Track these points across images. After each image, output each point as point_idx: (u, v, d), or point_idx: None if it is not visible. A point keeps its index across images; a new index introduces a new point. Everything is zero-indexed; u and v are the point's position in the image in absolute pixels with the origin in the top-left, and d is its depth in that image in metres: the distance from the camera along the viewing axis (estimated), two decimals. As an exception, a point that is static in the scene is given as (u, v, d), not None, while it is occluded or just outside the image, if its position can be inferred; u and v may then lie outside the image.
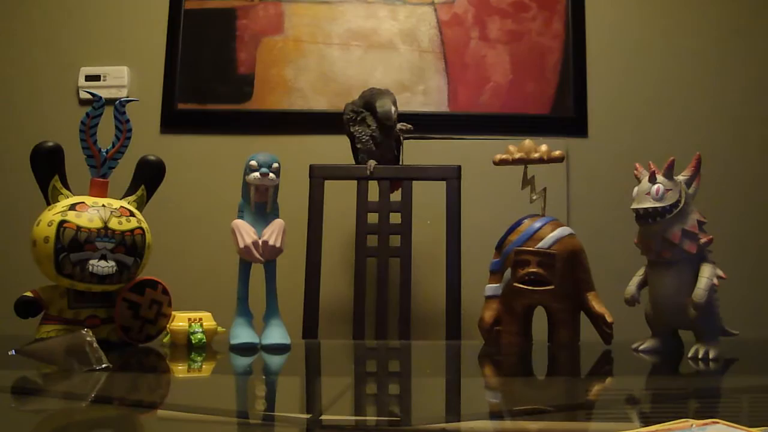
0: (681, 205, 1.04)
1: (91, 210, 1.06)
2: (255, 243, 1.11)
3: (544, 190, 1.26)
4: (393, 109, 1.71)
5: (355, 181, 1.77)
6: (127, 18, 2.14)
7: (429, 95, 2.08)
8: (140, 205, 1.15)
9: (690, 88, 2.07)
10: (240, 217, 1.13)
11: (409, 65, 2.09)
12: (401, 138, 1.79)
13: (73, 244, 1.03)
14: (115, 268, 1.05)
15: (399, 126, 1.74)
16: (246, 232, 1.11)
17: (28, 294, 1.06)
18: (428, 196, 1.82)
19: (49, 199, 1.08)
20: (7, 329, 1.13)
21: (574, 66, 2.06)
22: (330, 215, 1.77)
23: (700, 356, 1.02)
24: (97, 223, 1.05)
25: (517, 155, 1.26)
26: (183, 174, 2.01)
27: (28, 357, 0.89)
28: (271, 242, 1.11)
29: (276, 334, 1.11)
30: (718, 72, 2.07)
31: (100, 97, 1.11)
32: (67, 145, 1.10)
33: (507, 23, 2.09)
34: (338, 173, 1.79)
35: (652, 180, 1.05)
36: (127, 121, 1.15)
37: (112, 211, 1.07)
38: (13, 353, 0.89)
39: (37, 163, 1.07)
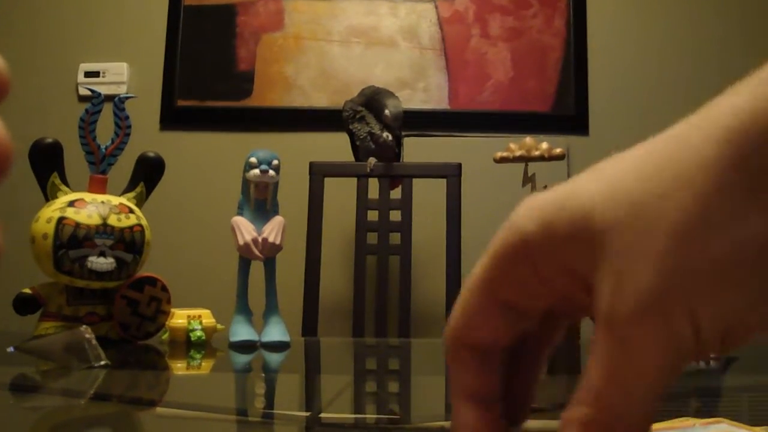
0: (682, 203, 1.03)
1: (90, 206, 1.05)
2: (255, 240, 1.10)
3: (545, 188, 1.25)
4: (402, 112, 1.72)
5: (355, 179, 1.77)
6: (126, 14, 2.14)
7: (429, 92, 2.07)
8: (139, 202, 1.15)
9: (691, 87, 2.06)
10: (239, 214, 1.13)
11: (410, 62, 2.09)
12: (400, 136, 1.79)
13: (71, 241, 1.02)
14: (114, 264, 1.05)
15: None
16: (246, 229, 1.11)
17: (27, 291, 1.06)
18: (428, 194, 1.82)
19: (48, 196, 1.08)
20: (5, 326, 1.13)
21: (575, 64, 2.06)
22: (330, 212, 1.77)
23: (700, 355, 1.01)
24: (96, 220, 1.04)
25: (518, 153, 1.25)
26: (182, 171, 2.01)
27: (27, 354, 0.89)
28: (270, 239, 1.11)
29: (275, 332, 1.11)
30: (719, 70, 2.07)
31: (100, 94, 1.11)
32: (66, 142, 1.09)
33: (508, 20, 2.09)
34: (338, 170, 1.78)
35: (653, 178, 1.05)
36: (127, 117, 1.14)
37: (111, 208, 1.07)
38: (12, 350, 0.89)
39: (36, 159, 1.07)
